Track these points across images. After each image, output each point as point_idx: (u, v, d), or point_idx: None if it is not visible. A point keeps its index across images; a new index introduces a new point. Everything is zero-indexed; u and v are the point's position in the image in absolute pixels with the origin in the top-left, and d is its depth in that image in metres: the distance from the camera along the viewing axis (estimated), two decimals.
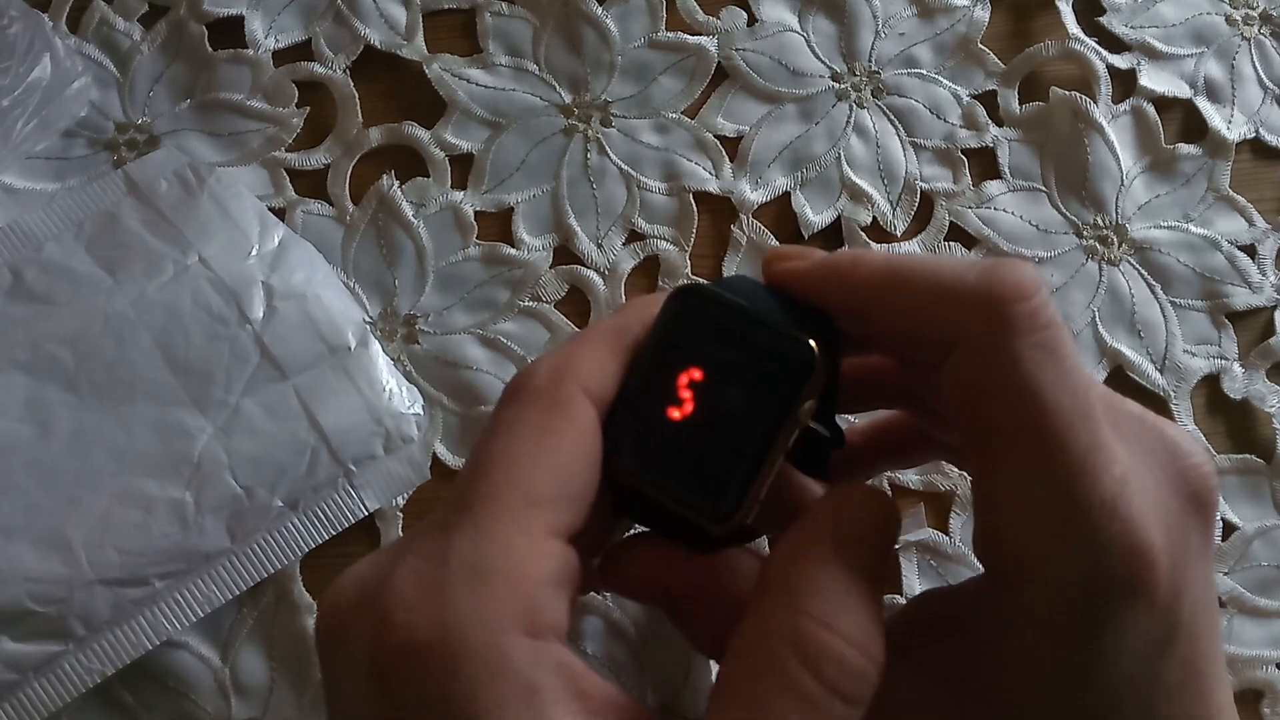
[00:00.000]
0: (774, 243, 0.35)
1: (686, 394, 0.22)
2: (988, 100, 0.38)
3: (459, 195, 0.36)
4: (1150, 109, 0.37)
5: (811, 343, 0.22)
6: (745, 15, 0.38)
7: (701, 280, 0.23)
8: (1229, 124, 0.38)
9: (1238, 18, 0.39)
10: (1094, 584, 0.20)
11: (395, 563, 0.20)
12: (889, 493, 0.33)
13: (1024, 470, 0.20)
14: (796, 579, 0.20)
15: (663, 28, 0.38)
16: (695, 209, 0.36)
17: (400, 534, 0.32)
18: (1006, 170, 0.37)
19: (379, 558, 0.21)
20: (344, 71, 0.37)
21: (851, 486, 0.22)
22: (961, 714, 0.22)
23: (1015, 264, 0.21)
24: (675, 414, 0.22)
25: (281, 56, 0.37)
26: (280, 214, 0.35)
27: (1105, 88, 0.38)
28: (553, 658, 0.19)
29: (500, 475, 0.20)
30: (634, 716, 0.19)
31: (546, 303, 0.35)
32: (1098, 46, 0.38)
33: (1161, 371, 0.35)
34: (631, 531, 0.25)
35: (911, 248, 0.36)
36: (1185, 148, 0.37)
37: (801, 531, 0.21)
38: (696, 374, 0.22)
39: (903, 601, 0.32)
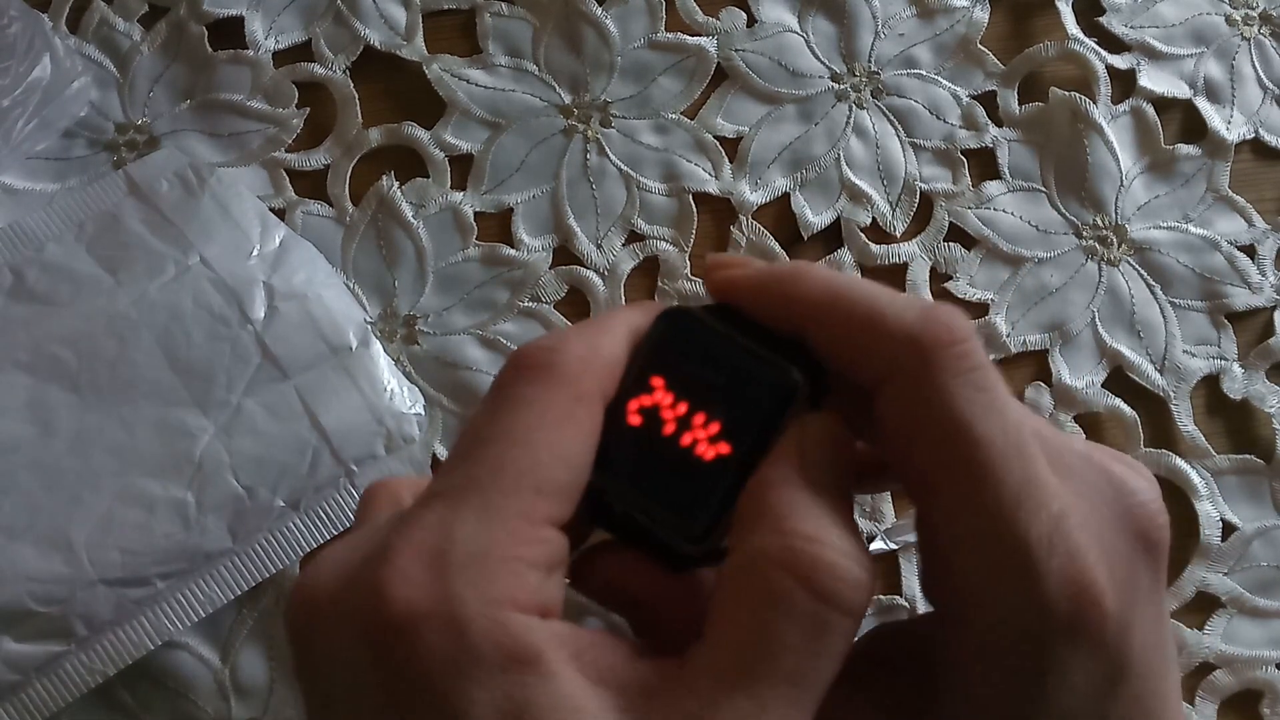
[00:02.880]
0: (774, 244, 0.36)
1: (668, 414, 0.22)
2: (987, 101, 0.38)
3: (459, 196, 0.36)
4: (1150, 109, 0.38)
5: (796, 372, 0.22)
6: (745, 16, 0.38)
7: (691, 303, 0.23)
8: (1228, 124, 0.38)
9: (1237, 18, 0.39)
10: (1036, 621, 0.20)
11: (389, 535, 0.20)
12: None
13: (960, 505, 0.20)
14: (775, 505, 0.20)
15: (662, 28, 0.38)
16: (695, 210, 0.36)
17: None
18: (1006, 171, 0.37)
19: (355, 540, 0.21)
20: (344, 72, 0.37)
21: (807, 416, 0.22)
22: None
23: (949, 309, 0.21)
24: (655, 433, 0.22)
25: (281, 57, 0.37)
26: (280, 214, 0.35)
27: (1105, 88, 0.38)
28: (552, 628, 0.19)
29: (514, 455, 0.20)
30: (636, 674, 0.19)
31: (546, 303, 0.35)
32: (1097, 47, 0.38)
33: (1161, 372, 0.35)
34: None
35: (911, 248, 0.36)
36: (1185, 148, 0.37)
37: (770, 465, 0.21)
38: (677, 394, 0.22)
39: (902, 601, 0.32)
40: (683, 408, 0.22)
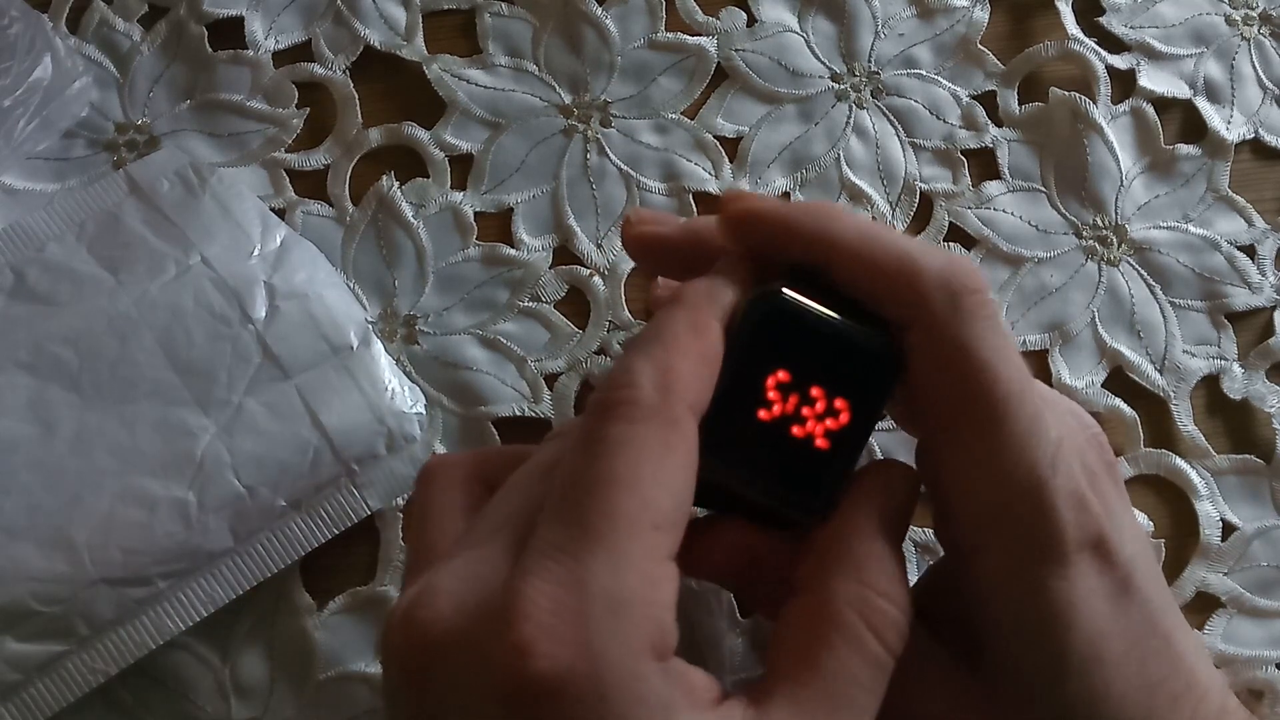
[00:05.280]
0: None
1: (774, 395, 0.23)
2: (987, 101, 0.38)
3: (459, 196, 0.36)
4: (1150, 109, 0.38)
5: (894, 345, 0.23)
6: (745, 16, 0.38)
7: (776, 283, 0.24)
8: (1228, 124, 0.38)
9: (1237, 18, 0.39)
10: (1051, 532, 0.22)
11: (517, 583, 0.19)
12: None
13: (979, 433, 0.23)
14: (858, 554, 0.22)
15: (662, 28, 0.38)
16: (695, 209, 0.36)
17: (400, 537, 0.32)
18: (1006, 171, 0.37)
19: (466, 570, 0.21)
20: (344, 72, 0.37)
21: (889, 464, 0.24)
22: (970, 674, 0.24)
23: (969, 260, 0.24)
24: (765, 415, 0.23)
25: (281, 57, 0.37)
26: (280, 214, 0.35)
27: (1105, 88, 0.38)
28: (680, 676, 0.20)
29: (625, 498, 0.20)
30: (735, 708, 0.21)
31: (546, 303, 0.35)
32: (1097, 47, 0.38)
33: (1161, 372, 0.35)
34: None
35: None
36: (1185, 148, 0.37)
37: (856, 509, 0.23)
38: (784, 376, 0.23)
39: None
40: (787, 390, 0.23)
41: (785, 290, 0.23)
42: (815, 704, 0.21)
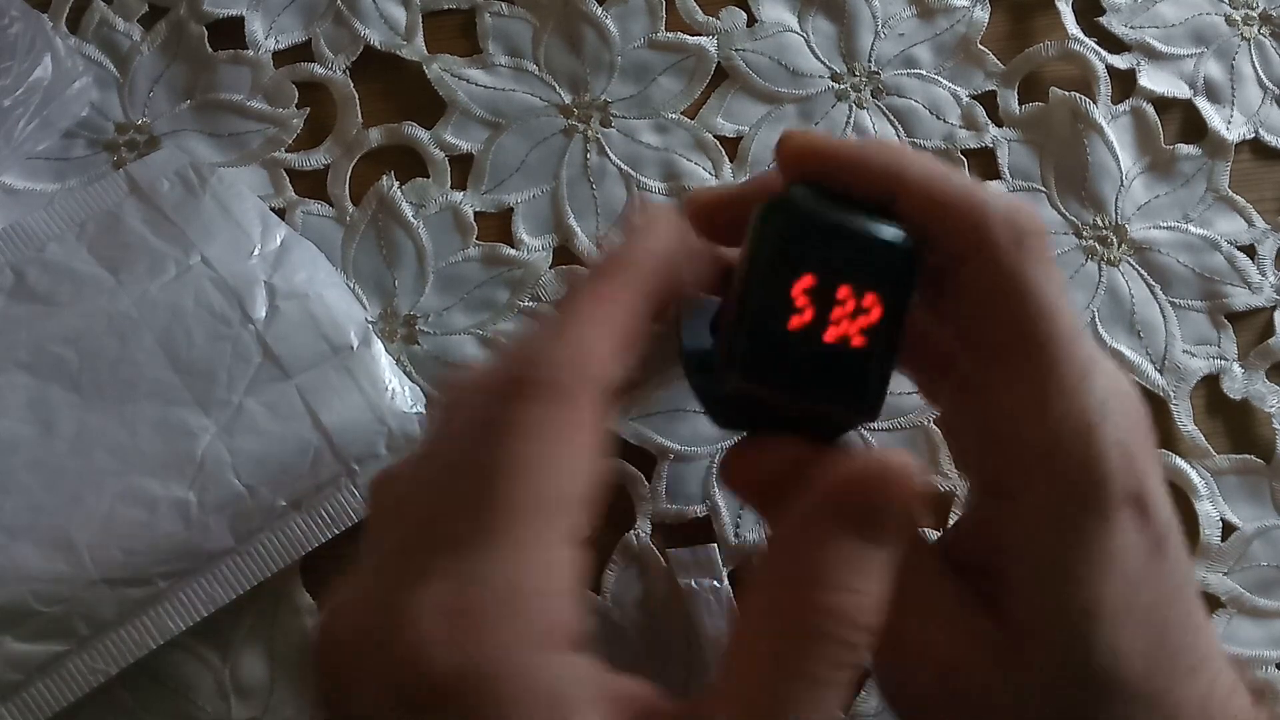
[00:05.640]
0: None
1: (804, 301, 0.22)
2: (987, 101, 0.38)
3: (459, 195, 0.36)
4: (1150, 109, 0.38)
5: (907, 235, 0.23)
6: (745, 15, 0.38)
7: (784, 190, 0.23)
8: (1228, 124, 0.38)
9: (1237, 18, 0.39)
10: (1096, 478, 0.22)
11: (404, 589, 0.19)
12: None
13: (1033, 372, 0.22)
14: (809, 552, 0.21)
15: (662, 28, 0.38)
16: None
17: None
18: (1006, 170, 0.37)
19: (373, 581, 0.20)
20: (344, 72, 0.37)
21: (844, 463, 0.22)
22: (987, 619, 0.23)
23: (1031, 206, 0.24)
24: (797, 323, 0.22)
25: (281, 57, 0.37)
26: (280, 214, 0.35)
27: (1105, 88, 0.38)
28: (578, 668, 0.19)
29: (518, 484, 0.19)
30: (656, 710, 0.20)
31: (546, 303, 0.35)
32: (1097, 47, 0.38)
33: (1161, 372, 0.35)
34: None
35: None
36: (1185, 148, 0.37)
37: (807, 509, 0.21)
38: (809, 281, 0.22)
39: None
40: (815, 294, 0.22)
41: (795, 192, 0.23)
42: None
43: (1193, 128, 0.38)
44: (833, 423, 0.24)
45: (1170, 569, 0.22)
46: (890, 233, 0.23)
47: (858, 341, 0.22)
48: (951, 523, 0.30)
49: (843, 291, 0.22)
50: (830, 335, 0.22)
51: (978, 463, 0.25)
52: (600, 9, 0.38)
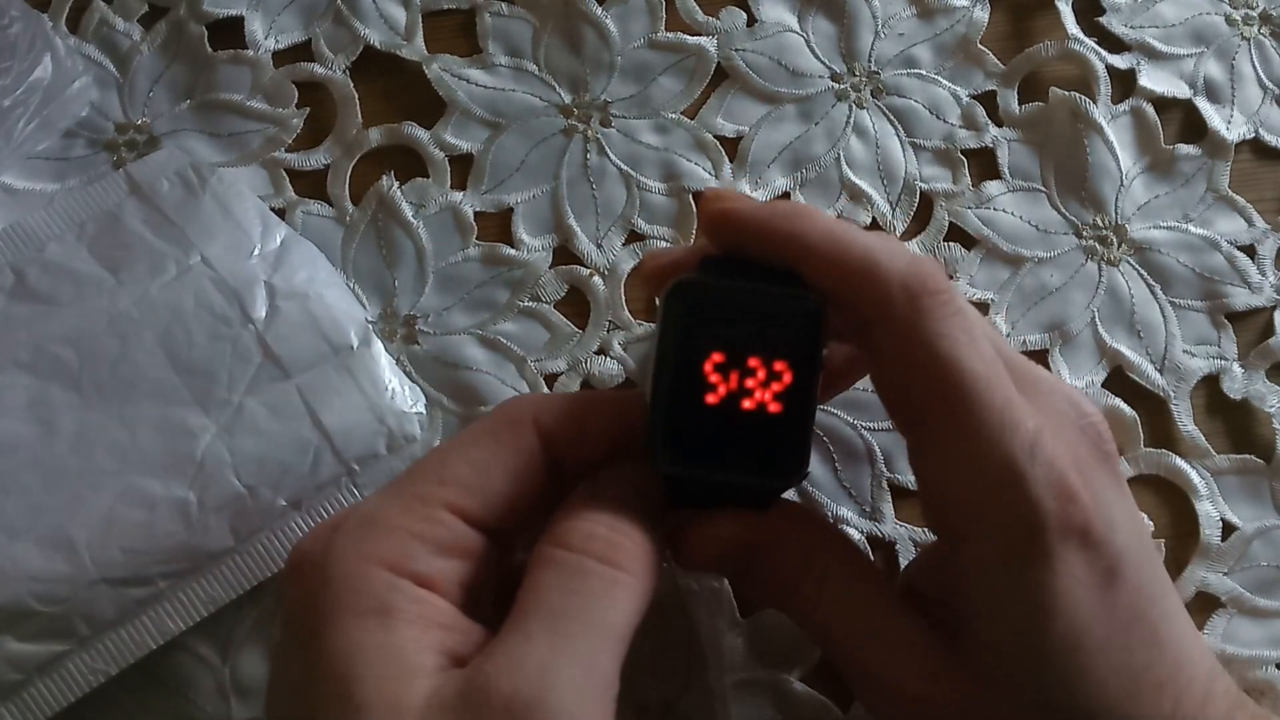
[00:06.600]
0: None
1: (716, 377, 0.23)
2: (987, 100, 0.38)
3: (459, 195, 0.36)
4: (1150, 109, 0.38)
5: (812, 298, 0.24)
6: (745, 15, 0.38)
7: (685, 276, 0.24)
8: (1228, 124, 0.38)
9: (1237, 18, 0.39)
10: (1030, 524, 0.22)
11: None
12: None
13: (950, 429, 0.23)
14: (564, 508, 0.24)
15: (662, 28, 0.38)
16: (695, 209, 0.36)
17: None
18: (1006, 170, 0.37)
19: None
20: (344, 72, 0.37)
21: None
22: (954, 653, 0.24)
23: (932, 260, 0.24)
24: (713, 399, 0.23)
25: (281, 57, 0.37)
26: (280, 214, 0.35)
27: (1105, 88, 0.38)
28: (411, 592, 0.22)
29: (427, 461, 0.24)
30: (471, 641, 0.22)
31: (546, 303, 0.35)
32: (1097, 47, 0.38)
33: (1161, 372, 0.35)
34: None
35: (912, 248, 0.36)
36: (1185, 148, 0.37)
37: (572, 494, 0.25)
38: (719, 358, 0.23)
39: None
40: (726, 368, 0.23)
41: (700, 271, 0.24)
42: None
43: (1193, 128, 0.38)
44: (765, 489, 0.25)
45: (1128, 595, 0.23)
46: (791, 302, 0.23)
47: (774, 408, 0.23)
48: (913, 557, 0.31)
49: (753, 361, 0.23)
50: (747, 404, 0.23)
51: (924, 510, 0.26)
52: (600, 9, 0.38)
